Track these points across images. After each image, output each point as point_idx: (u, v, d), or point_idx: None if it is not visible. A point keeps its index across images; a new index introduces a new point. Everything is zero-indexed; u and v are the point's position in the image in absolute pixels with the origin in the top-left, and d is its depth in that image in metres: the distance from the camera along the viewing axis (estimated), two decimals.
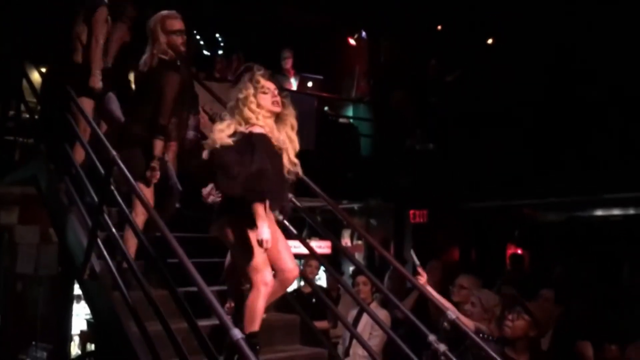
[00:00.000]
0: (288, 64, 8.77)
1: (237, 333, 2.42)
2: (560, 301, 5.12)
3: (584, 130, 7.00)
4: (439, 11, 9.15)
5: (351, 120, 9.75)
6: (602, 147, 6.77)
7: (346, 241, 9.57)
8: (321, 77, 9.11)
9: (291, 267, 3.44)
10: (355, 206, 9.47)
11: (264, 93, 3.45)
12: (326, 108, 9.69)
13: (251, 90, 3.43)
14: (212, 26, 9.59)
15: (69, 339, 7.10)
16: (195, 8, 5.21)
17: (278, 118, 3.52)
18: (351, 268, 7.98)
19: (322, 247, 7.93)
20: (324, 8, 9.29)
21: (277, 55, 8.78)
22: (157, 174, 4.01)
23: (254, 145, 3.30)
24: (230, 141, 3.33)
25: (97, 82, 4.71)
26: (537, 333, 4.10)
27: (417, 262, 4.01)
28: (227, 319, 2.54)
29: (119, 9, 5.34)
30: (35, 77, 6.19)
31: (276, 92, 3.49)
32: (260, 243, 3.14)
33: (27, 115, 5.92)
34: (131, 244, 3.91)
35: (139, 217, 3.91)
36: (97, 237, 3.89)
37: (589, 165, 6.80)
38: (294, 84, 8.75)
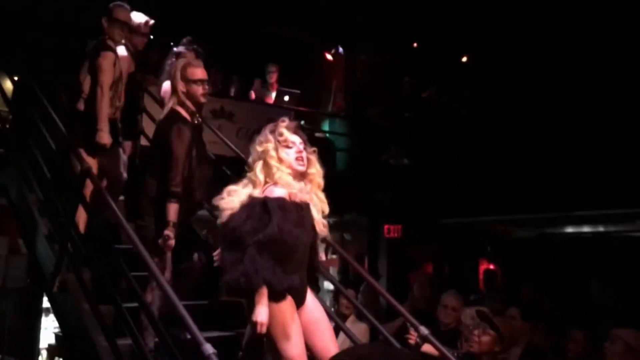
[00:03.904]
0: (273, 78, 8.79)
1: (208, 348, 2.39)
2: (528, 318, 5.19)
3: (554, 147, 7.11)
4: (415, 28, 9.27)
5: (327, 135, 9.79)
6: (573, 164, 6.87)
7: (321, 255, 9.57)
8: (298, 91, 9.15)
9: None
10: (330, 220, 9.46)
11: (287, 147, 3.00)
12: (302, 122, 9.70)
13: (271, 144, 2.98)
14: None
15: (37, 352, 6.98)
16: (171, 19, 5.11)
17: (302, 177, 3.06)
18: (326, 283, 7.97)
19: None
20: (301, 23, 9.35)
21: (253, 68, 8.80)
22: (172, 243, 3.58)
23: (269, 212, 2.80)
24: (237, 206, 2.86)
25: (103, 138, 4.24)
26: (502, 348, 4.14)
27: (424, 332, 3.48)
28: (199, 334, 2.50)
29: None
30: (7, 85, 6.11)
31: (301, 146, 3.02)
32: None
33: None
34: None
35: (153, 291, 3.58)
36: (67, 249, 3.84)
37: (560, 183, 6.90)
38: (273, 98, 8.78)
